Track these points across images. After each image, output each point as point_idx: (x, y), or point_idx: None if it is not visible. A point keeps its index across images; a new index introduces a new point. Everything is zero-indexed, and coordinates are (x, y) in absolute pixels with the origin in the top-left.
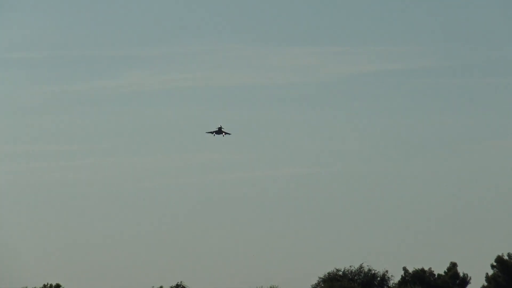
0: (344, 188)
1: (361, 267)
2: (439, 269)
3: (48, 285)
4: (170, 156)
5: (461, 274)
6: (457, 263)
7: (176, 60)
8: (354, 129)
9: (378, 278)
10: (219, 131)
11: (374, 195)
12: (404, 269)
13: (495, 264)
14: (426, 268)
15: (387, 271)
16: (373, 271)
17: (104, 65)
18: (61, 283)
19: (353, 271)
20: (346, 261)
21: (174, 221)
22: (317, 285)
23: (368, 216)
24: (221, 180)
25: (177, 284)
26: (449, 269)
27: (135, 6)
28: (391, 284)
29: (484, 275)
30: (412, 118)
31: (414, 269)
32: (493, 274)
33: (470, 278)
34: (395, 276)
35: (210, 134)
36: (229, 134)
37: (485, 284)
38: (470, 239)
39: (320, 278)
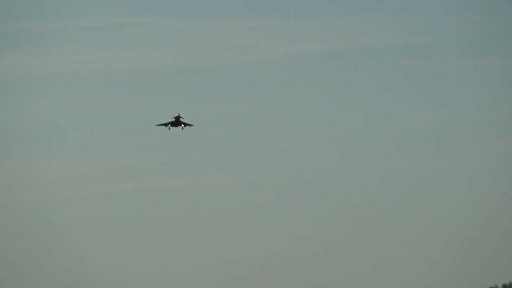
0: (302, 199)
1: None
2: None
3: None
4: (71, 160)
5: None
6: None
7: (76, 37)
8: (299, 127)
9: None
10: (177, 122)
11: (330, 209)
12: None
13: None
14: None
15: None
16: None
17: None
18: None
19: None
20: None
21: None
22: None
23: (323, 235)
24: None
25: None
26: None
27: None
28: None
29: None
30: (373, 112)
31: None
32: None
33: None
34: None
35: (163, 126)
36: (190, 125)
37: None
38: (451, 268)
39: None
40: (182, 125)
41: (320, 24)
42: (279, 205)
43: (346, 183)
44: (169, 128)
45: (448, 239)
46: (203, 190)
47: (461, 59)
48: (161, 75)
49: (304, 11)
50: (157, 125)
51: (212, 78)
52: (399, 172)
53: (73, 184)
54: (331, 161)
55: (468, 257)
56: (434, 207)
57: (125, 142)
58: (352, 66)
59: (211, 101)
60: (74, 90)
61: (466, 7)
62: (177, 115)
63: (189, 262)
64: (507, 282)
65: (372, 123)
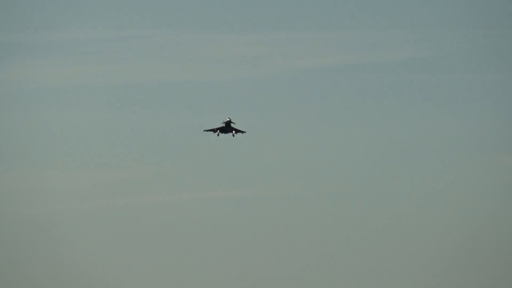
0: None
1: None
2: None
3: None
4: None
5: None
6: None
7: (82, 48)
8: (307, 140)
9: None
10: (227, 128)
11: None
12: None
13: None
14: None
15: None
16: None
17: None
18: None
19: None
20: None
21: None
22: None
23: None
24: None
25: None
26: None
27: None
28: None
29: None
30: (379, 125)
31: None
32: None
33: None
34: None
35: (211, 132)
36: (242, 132)
37: None
38: None
39: None
40: (233, 131)
41: (329, 38)
42: (286, 219)
43: (355, 195)
44: (218, 135)
45: (451, 251)
46: (209, 204)
47: (469, 74)
48: (168, 89)
49: (313, 25)
50: (204, 130)
51: (219, 92)
52: (410, 186)
53: (78, 197)
54: (339, 173)
55: (470, 269)
56: (440, 220)
57: (131, 155)
58: (361, 80)
59: (218, 116)
60: (76, 103)
61: (473, 22)
62: (228, 119)
63: (200, 276)
64: None
65: (381, 137)
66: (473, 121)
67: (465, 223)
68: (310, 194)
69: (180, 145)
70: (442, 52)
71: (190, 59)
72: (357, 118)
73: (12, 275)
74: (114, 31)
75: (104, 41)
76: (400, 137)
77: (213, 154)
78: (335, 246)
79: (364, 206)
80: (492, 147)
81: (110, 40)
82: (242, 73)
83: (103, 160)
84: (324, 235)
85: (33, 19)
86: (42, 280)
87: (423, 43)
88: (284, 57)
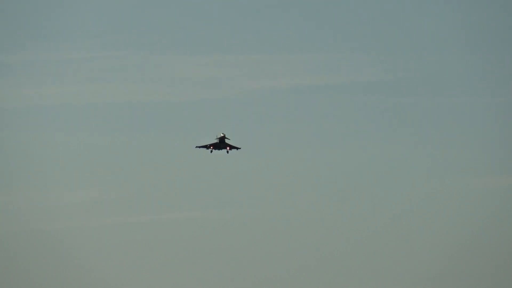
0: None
1: None
2: None
3: None
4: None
5: None
6: None
7: (36, 69)
8: (267, 164)
9: None
10: (221, 144)
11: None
12: None
13: None
14: None
15: None
16: None
17: None
18: None
19: None
20: None
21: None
22: None
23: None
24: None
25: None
26: None
27: None
28: None
29: None
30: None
31: None
32: None
33: None
34: None
35: (204, 149)
36: (237, 148)
37: None
38: None
39: None
40: (228, 147)
41: (292, 60)
42: (250, 241)
43: (321, 218)
44: (211, 151)
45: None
46: (175, 225)
47: (429, 98)
48: (127, 109)
49: (276, 47)
50: (196, 147)
51: (182, 113)
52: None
53: (58, 216)
54: (303, 195)
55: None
56: (426, 242)
57: (103, 176)
58: (324, 101)
59: (184, 136)
60: (45, 123)
61: (433, 45)
62: (222, 135)
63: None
64: None
65: (342, 158)
66: (437, 143)
67: (445, 244)
68: (278, 213)
69: (157, 163)
70: (405, 74)
71: (152, 80)
72: (320, 139)
73: None
74: (79, 52)
75: (69, 62)
76: (364, 158)
77: (193, 172)
78: (318, 265)
79: (327, 225)
80: (456, 170)
81: (79, 60)
82: (204, 94)
83: (70, 182)
84: (299, 252)
85: (6, 40)
86: None
87: (386, 65)
88: (246, 78)
